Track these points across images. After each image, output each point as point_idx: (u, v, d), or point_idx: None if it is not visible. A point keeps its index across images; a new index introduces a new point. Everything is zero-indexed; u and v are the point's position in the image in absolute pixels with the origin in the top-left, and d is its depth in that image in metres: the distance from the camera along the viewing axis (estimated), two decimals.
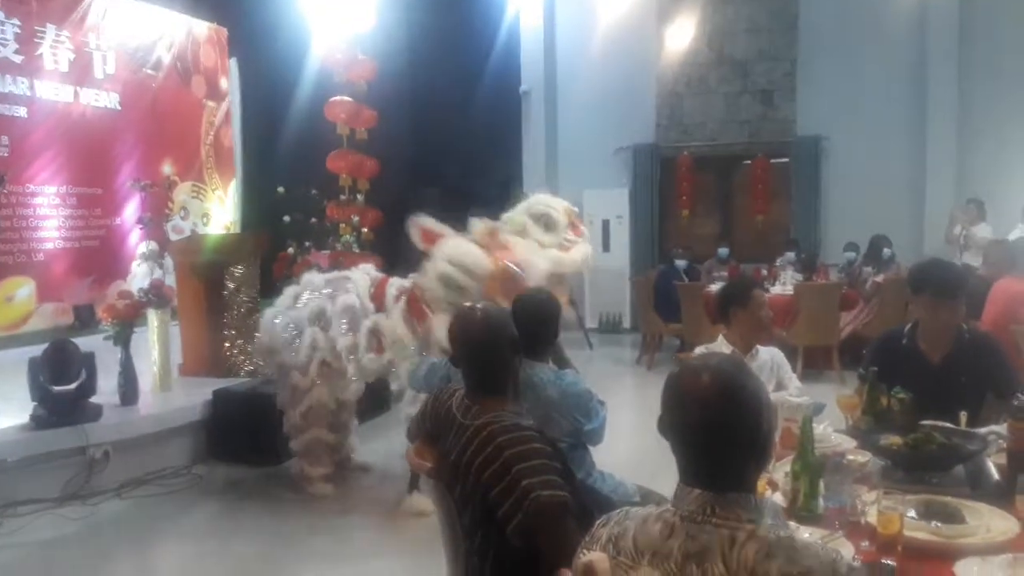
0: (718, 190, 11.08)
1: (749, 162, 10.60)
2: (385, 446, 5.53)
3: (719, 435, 1.43)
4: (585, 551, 1.51)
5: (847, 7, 9.83)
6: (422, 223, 4.67)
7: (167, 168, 9.87)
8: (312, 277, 4.96)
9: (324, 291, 4.80)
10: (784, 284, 8.24)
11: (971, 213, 8.71)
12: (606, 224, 10.84)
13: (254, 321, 6.08)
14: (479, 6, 11.03)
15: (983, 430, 2.60)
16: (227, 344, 6.16)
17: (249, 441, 5.37)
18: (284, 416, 4.87)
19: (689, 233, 10.80)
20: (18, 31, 7.95)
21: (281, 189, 7.75)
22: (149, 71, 9.63)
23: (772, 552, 1.34)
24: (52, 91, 8.35)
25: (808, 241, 9.99)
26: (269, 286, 7.07)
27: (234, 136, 11.18)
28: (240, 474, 5.26)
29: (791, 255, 9.17)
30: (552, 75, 11.08)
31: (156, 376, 5.71)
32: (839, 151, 10.16)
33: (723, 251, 9.52)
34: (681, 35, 10.45)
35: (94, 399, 5.00)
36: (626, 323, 10.85)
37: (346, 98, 8.61)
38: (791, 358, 6.96)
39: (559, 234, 6.56)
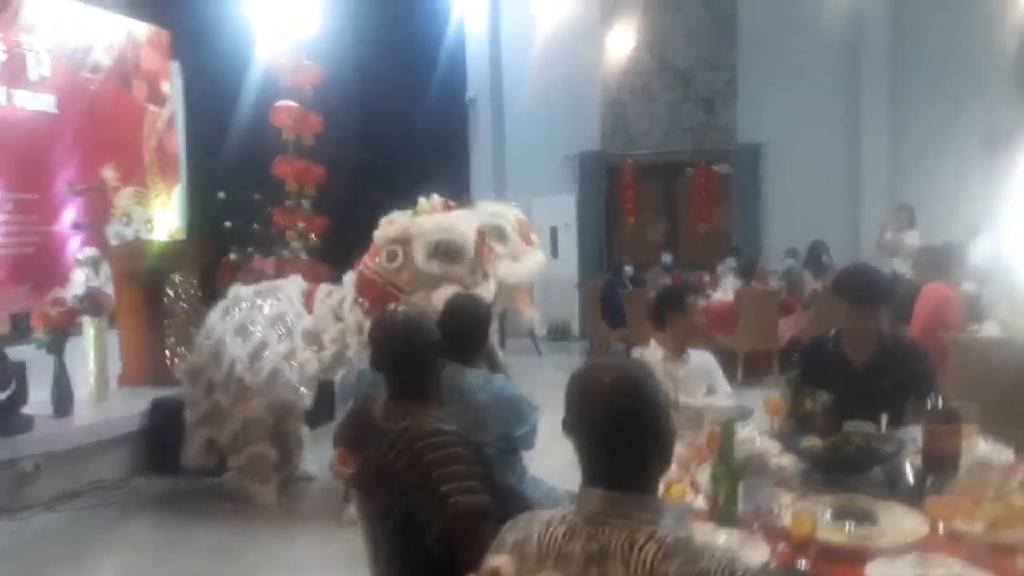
0: (663, 198, 11.24)
1: (692, 170, 10.78)
2: (330, 455, 5.47)
3: (621, 434, 1.46)
4: (492, 555, 1.53)
5: (784, 15, 10.03)
6: (391, 218, 4.64)
7: (108, 173, 9.67)
8: (240, 290, 4.92)
9: (255, 302, 4.77)
10: (725, 290, 8.39)
11: (901, 220, 8.94)
12: (554, 231, 10.92)
13: (196, 329, 6.01)
14: (425, 13, 11.01)
15: (900, 432, 2.69)
16: (168, 353, 6.06)
17: None
18: (188, 435, 4.82)
19: (635, 240, 10.95)
20: None
21: (222, 194, 7.65)
22: (87, 74, 9.43)
23: (670, 553, 1.37)
24: None
25: (750, 247, 10.17)
26: (214, 293, 6.98)
27: (178, 141, 10.99)
28: (179, 485, 5.17)
29: (732, 261, 9.33)
30: (498, 82, 11.13)
31: (93, 386, 5.59)
32: (778, 158, 10.38)
33: (667, 258, 9.69)
34: (624, 43, 10.56)
35: (26, 410, 4.88)
36: (575, 330, 10.92)
37: (292, 103, 8.56)
38: (733, 363, 7.15)
39: (510, 244, 6.62)
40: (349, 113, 11.30)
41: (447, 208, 4.64)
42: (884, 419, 2.86)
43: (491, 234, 6.68)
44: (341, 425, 2.45)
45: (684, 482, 2.28)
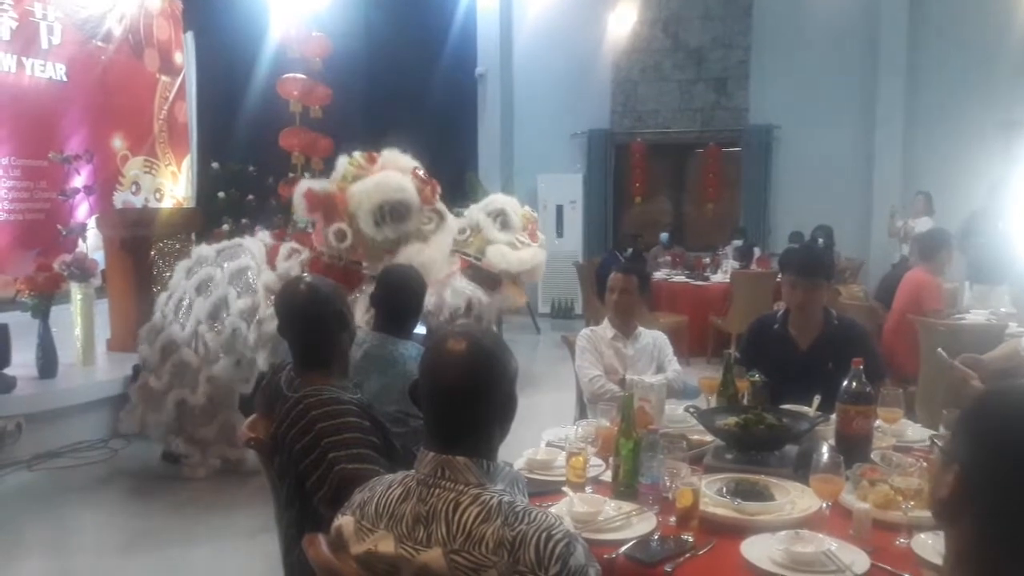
0: (671, 177, 11.14)
1: (701, 150, 10.68)
2: None
3: (458, 399, 1.48)
4: (339, 515, 1.56)
5: None
6: (307, 187, 4.56)
7: (117, 142, 9.78)
8: (203, 249, 4.91)
9: (216, 261, 4.78)
10: (725, 272, 8.33)
11: (917, 206, 8.79)
12: (560, 209, 10.87)
13: None
14: None
15: (812, 411, 2.67)
16: None
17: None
18: (156, 401, 4.76)
19: (641, 220, 10.87)
20: None
21: (216, 165, 7.72)
22: (99, 43, 9.51)
23: (490, 516, 1.39)
24: None
25: (757, 230, 10.08)
26: None
27: (189, 111, 11.08)
28: (157, 449, 5.25)
29: (737, 243, 9.24)
30: (508, 58, 11.07)
31: (79, 350, 5.70)
32: (789, 141, 10.24)
33: (664, 236, 9.63)
34: (637, 21, 10.45)
35: (9, 371, 5.00)
36: (578, 309, 10.88)
37: (299, 75, 8.63)
38: (726, 344, 7.11)
39: (513, 233, 6.67)
40: (358, 86, 11.34)
41: (372, 161, 4.54)
42: (816, 400, 2.85)
43: (495, 218, 6.71)
44: (257, 391, 2.48)
45: (584, 454, 2.29)
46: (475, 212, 6.74)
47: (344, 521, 1.52)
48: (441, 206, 4.64)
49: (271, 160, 9.07)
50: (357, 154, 4.57)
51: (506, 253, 6.42)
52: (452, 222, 4.63)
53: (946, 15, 9.54)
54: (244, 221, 7.33)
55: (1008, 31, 9.08)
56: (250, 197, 7.60)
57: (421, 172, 4.52)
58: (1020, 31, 9.10)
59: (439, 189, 4.73)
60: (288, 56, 8.74)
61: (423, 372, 1.53)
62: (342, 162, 4.53)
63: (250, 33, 9.63)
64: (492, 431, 1.51)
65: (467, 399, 1.48)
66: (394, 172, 4.40)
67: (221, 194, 7.46)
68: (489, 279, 6.45)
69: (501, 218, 6.61)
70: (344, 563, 1.50)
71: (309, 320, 2.21)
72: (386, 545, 1.44)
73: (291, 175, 8.68)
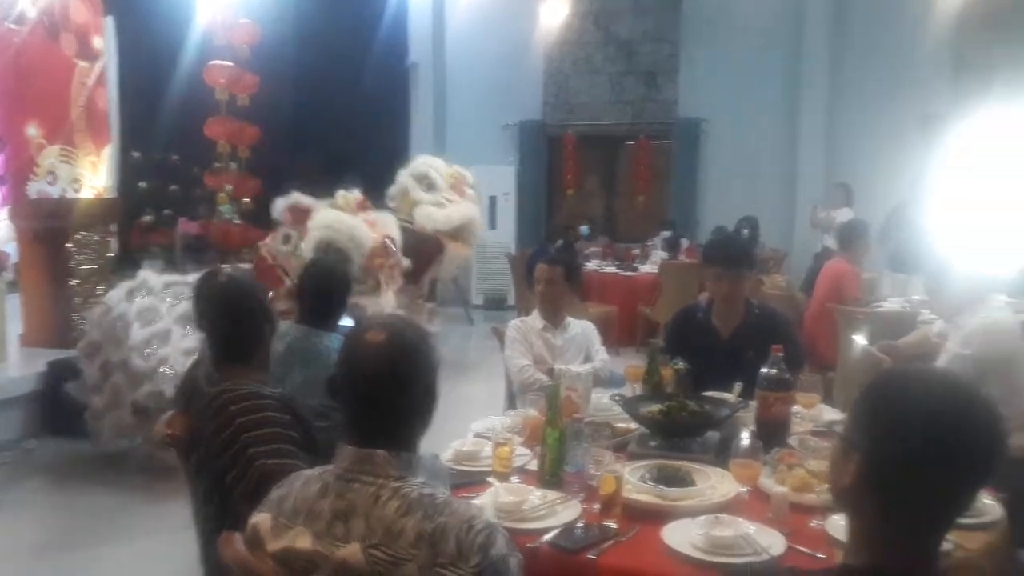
0: (603, 169, 11.24)
1: (632, 143, 10.79)
2: None
3: (385, 391, 1.46)
4: (256, 512, 1.53)
5: None
6: (293, 200, 4.56)
7: (32, 130, 9.40)
8: (149, 277, 4.75)
9: (163, 295, 4.64)
10: (654, 263, 8.45)
11: (837, 197, 9.04)
12: (493, 201, 10.84)
13: (102, 290, 5.88)
14: None
15: (733, 398, 2.73)
16: (73, 314, 5.94)
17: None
18: (89, 413, 4.67)
19: (573, 211, 10.94)
20: None
21: (136, 154, 7.51)
22: (11, 25, 9.12)
23: (410, 509, 1.37)
24: None
25: (686, 221, 10.23)
26: (127, 255, 6.89)
27: (110, 98, 10.70)
28: (74, 448, 5.05)
29: (666, 234, 9.38)
30: (440, 48, 10.99)
31: None
32: (718, 134, 10.42)
33: (584, 229, 9.76)
34: (569, 13, 10.48)
35: None
36: (511, 300, 10.90)
37: (226, 62, 8.45)
38: (655, 334, 7.22)
39: (438, 193, 6.70)
40: (287, 74, 11.12)
41: (362, 207, 4.58)
42: (738, 387, 2.90)
43: (420, 181, 6.73)
44: (178, 387, 2.42)
45: (511, 444, 2.29)
46: (402, 176, 6.79)
47: (260, 518, 1.49)
48: (384, 281, 4.64)
49: (196, 149, 8.85)
50: (355, 192, 4.62)
51: (432, 213, 6.47)
52: (386, 301, 4.66)
53: (868, 10, 9.81)
54: (166, 212, 7.13)
55: (927, 27, 9.38)
56: (173, 187, 7.38)
57: (392, 245, 4.53)
58: (938, 27, 9.41)
59: (398, 272, 4.74)
60: (215, 43, 8.55)
61: (342, 363, 1.51)
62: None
63: (175, 18, 9.35)
64: (412, 423, 1.49)
65: (387, 390, 1.45)
66: (363, 225, 4.41)
67: (142, 184, 7.22)
68: (426, 243, 6.45)
69: (426, 181, 6.66)
70: (261, 561, 1.47)
71: (232, 312, 2.16)
72: (304, 542, 1.42)
73: (216, 164, 8.51)
